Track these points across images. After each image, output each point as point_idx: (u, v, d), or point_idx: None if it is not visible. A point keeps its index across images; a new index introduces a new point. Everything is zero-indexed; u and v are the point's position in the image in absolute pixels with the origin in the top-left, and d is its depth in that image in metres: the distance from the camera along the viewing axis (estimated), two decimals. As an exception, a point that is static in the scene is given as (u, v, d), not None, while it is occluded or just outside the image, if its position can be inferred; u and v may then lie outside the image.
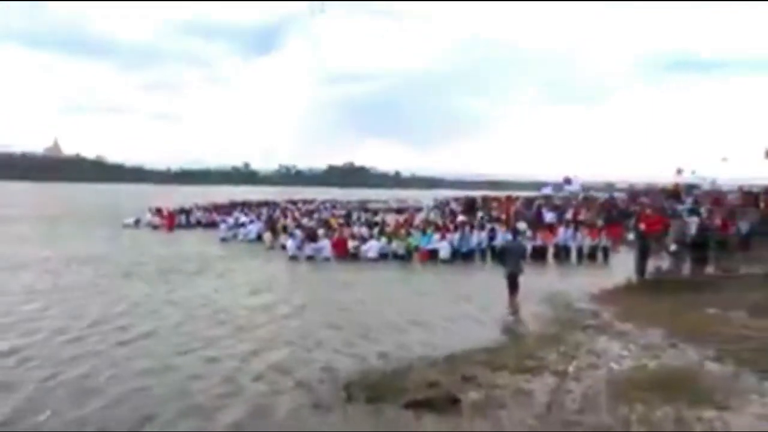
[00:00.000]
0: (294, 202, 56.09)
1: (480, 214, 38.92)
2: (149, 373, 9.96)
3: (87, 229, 35.86)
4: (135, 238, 32.34)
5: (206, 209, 44.51)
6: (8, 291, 17.04)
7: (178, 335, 12.39)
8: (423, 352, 10.92)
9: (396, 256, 25.77)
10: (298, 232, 27.65)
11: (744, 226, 24.38)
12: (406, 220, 33.63)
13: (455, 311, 15.14)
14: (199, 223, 40.25)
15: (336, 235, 27.67)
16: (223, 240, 31.84)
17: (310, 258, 25.37)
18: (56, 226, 38.77)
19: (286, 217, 37.03)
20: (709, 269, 18.92)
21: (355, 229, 29.19)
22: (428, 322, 13.88)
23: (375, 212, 47.89)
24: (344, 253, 26.02)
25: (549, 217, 34.17)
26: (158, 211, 41.05)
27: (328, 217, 36.77)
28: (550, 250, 26.24)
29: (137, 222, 38.66)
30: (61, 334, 12.37)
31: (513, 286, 16.21)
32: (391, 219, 36.72)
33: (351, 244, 26.52)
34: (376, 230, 28.97)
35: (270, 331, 13.00)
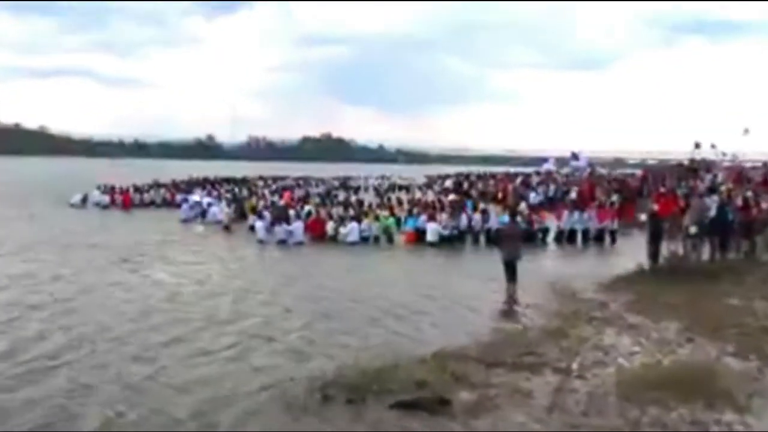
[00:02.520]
0: (264, 179, 55.99)
1: (473, 193, 38.96)
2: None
3: (26, 209, 35.42)
4: (84, 219, 32.03)
5: (165, 187, 44.39)
6: None
7: (136, 335, 12.24)
8: (409, 347, 10.85)
9: (377, 240, 25.67)
10: (267, 213, 27.48)
11: (768, 207, 24.45)
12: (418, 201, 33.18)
13: (443, 301, 15.09)
14: (154, 203, 39.98)
15: (312, 216, 27.55)
16: (185, 221, 31.70)
17: (281, 242, 25.18)
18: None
19: (254, 195, 36.94)
20: (730, 255, 18.98)
21: (334, 210, 29.09)
22: (414, 313, 13.84)
23: (356, 190, 47.82)
24: (321, 236, 25.90)
25: (532, 197, 34.46)
26: (111, 189, 40.63)
27: (301, 196, 36.87)
28: (551, 233, 26.30)
29: (84, 200, 38.30)
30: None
31: (510, 273, 16.20)
32: (373, 198, 36.80)
33: (330, 225, 26.40)
34: (351, 211, 28.94)
35: (236, 326, 12.88)
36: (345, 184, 55.68)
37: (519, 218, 23.10)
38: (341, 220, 26.69)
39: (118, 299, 15.05)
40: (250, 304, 14.98)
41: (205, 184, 47.79)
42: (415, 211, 28.00)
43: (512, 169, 63.55)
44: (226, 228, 28.80)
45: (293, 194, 37.77)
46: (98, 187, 41.54)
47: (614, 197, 31.90)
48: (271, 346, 11.49)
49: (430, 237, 25.52)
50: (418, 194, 42.12)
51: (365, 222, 26.42)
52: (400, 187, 52.12)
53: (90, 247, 23.24)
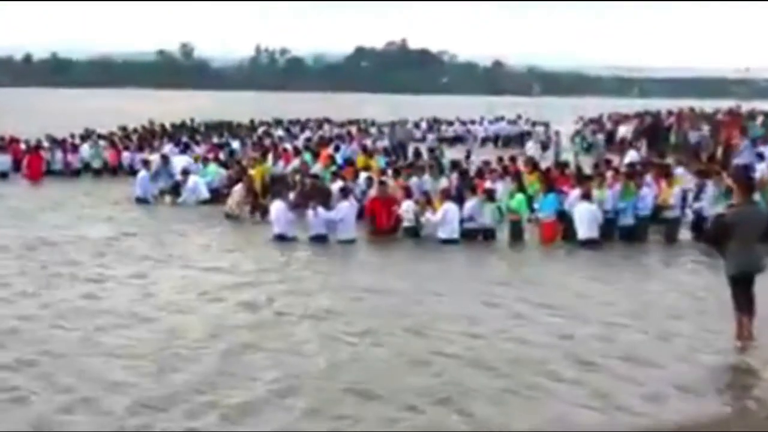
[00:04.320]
0: (283, 125, 40.04)
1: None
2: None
3: None
4: None
5: (106, 140, 29.77)
6: None
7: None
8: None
9: (488, 235, 16.65)
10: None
11: None
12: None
13: (626, 342, 10.05)
14: (88, 168, 27.25)
15: (374, 192, 17.30)
16: (141, 201, 21.05)
17: (317, 239, 16.10)
18: None
19: (264, 155, 23.92)
20: None
21: (413, 182, 18.46)
22: (584, 363, 9.03)
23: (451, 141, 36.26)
24: (387, 228, 16.81)
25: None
26: (10, 144, 28.02)
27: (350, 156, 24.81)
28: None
29: None
30: None
31: (744, 296, 10.20)
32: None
33: (406, 209, 16.64)
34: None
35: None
36: (433, 131, 41.68)
37: (757, 197, 13.05)
38: (426, 201, 16.61)
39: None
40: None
41: (177, 134, 32.78)
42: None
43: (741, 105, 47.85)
44: (231, 215, 18.58)
45: (336, 152, 25.82)
46: None
47: None
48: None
49: (585, 230, 15.86)
50: (568, 155, 30.49)
51: (471, 202, 16.47)
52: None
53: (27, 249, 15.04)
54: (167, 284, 12.57)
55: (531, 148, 32.15)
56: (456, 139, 39.99)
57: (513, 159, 22.45)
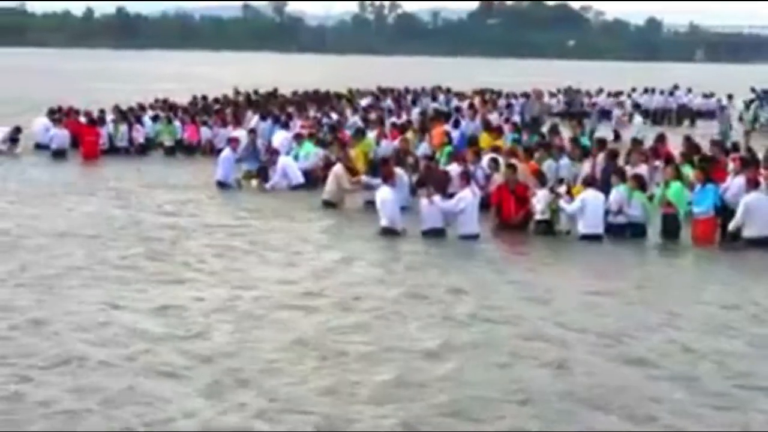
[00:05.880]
0: (393, 94, 37.07)
1: None
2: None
3: None
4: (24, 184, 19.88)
5: (180, 110, 28.71)
6: None
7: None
8: None
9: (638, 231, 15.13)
10: (403, 171, 16.40)
11: None
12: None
13: None
14: (158, 144, 25.75)
15: (500, 177, 15.78)
16: (222, 185, 19.74)
17: (432, 233, 14.63)
18: None
19: (362, 130, 21.84)
20: None
21: (547, 164, 16.81)
22: None
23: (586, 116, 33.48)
24: (515, 220, 15.35)
25: None
26: (66, 116, 26.43)
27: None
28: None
29: (15, 140, 24.59)
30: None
31: None
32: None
33: (540, 199, 14.97)
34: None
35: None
36: (570, 105, 39.37)
37: None
38: (565, 188, 15.17)
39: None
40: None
41: (266, 105, 30.08)
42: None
43: None
44: (330, 202, 17.22)
45: (455, 129, 23.71)
46: (51, 114, 26.72)
47: None
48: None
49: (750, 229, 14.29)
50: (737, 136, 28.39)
51: (618, 191, 14.79)
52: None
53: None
54: (273, 287, 11.50)
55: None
56: (603, 114, 36.23)
57: (662, 138, 20.48)
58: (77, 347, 8.83)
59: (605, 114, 36.24)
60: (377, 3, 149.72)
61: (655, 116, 39.26)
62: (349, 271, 12.63)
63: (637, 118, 31.43)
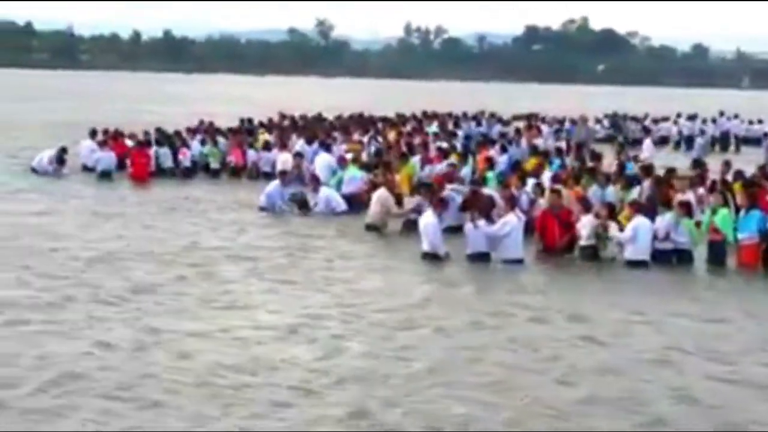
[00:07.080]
0: (440, 119, 36.16)
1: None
2: None
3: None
4: (82, 208, 19.61)
5: (229, 134, 28.19)
6: None
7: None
8: None
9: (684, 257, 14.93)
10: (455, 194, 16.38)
11: None
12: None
13: None
14: (205, 167, 25.66)
15: (544, 202, 15.76)
16: (265, 209, 19.52)
17: (477, 257, 14.52)
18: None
19: (405, 153, 22.07)
20: None
21: (594, 190, 16.70)
22: None
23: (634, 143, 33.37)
24: (559, 244, 15.19)
25: None
26: (113, 139, 26.34)
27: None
28: None
29: (61, 160, 24.43)
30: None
31: None
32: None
33: (585, 224, 14.62)
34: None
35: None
36: (616, 128, 39.41)
37: None
38: (609, 213, 14.71)
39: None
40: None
41: (310, 129, 30.14)
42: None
43: None
44: (373, 226, 17.18)
45: (503, 154, 23.59)
46: (92, 135, 26.66)
47: None
48: None
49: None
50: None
51: (665, 218, 14.46)
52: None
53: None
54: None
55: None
56: (639, 141, 35.15)
57: (701, 164, 20.30)
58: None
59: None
60: (423, 28, 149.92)
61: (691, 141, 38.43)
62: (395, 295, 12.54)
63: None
